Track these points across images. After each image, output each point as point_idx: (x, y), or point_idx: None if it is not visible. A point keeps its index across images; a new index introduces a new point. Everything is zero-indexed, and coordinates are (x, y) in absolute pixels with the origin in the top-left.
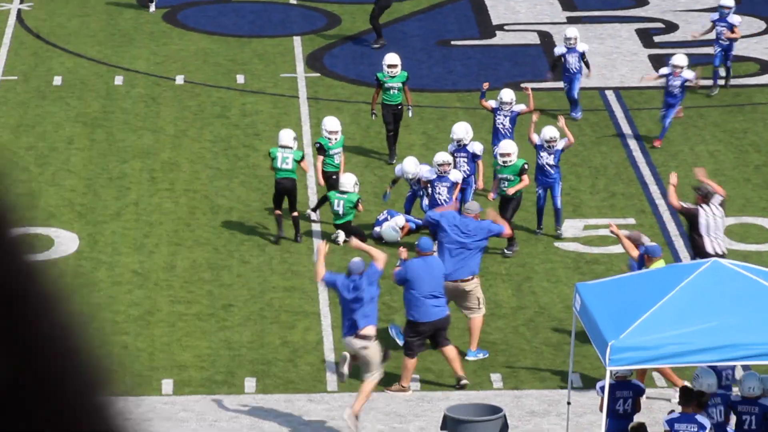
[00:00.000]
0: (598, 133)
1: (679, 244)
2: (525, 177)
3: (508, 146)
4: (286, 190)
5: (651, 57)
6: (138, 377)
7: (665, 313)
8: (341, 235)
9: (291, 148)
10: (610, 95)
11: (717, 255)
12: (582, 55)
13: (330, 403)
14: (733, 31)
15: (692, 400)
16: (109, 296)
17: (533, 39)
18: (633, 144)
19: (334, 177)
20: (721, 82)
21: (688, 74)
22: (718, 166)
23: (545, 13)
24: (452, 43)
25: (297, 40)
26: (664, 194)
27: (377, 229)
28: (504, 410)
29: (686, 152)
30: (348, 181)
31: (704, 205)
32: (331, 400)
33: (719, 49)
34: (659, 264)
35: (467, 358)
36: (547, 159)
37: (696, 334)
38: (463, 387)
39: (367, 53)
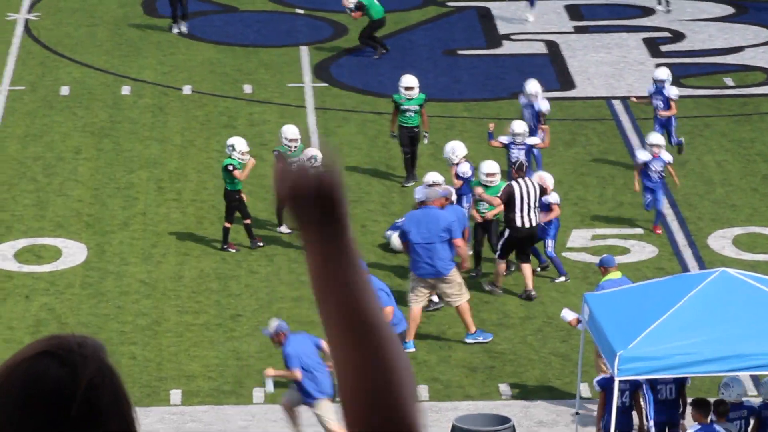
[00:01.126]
0: (605, 142)
1: (688, 254)
2: None
3: (494, 166)
4: None
5: (658, 66)
6: (146, 387)
7: (673, 323)
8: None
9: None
10: (618, 105)
11: (526, 228)
12: (538, 115)
13: (338, 413)
14: (669, 107)
15: (708, 410)
16: (117, 306)
17: (540, 48)
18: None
19: None
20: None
21: (667, 156)
22: (726, 176)
23: (552, 22)
24: (459, 52)
25: (304, 50)
26: (672, 204)
27: (388, 233)
28: (512, 420)
29: (693, 162)
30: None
31: (518, 180)
32: (339, 409)
33: (657, 125)
34: (615, 275)
35: (466, 340)
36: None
37: (704, 344)
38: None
39: (374, 63)
